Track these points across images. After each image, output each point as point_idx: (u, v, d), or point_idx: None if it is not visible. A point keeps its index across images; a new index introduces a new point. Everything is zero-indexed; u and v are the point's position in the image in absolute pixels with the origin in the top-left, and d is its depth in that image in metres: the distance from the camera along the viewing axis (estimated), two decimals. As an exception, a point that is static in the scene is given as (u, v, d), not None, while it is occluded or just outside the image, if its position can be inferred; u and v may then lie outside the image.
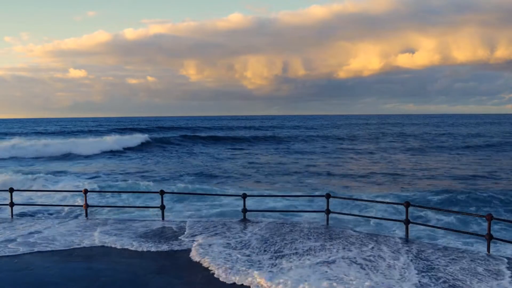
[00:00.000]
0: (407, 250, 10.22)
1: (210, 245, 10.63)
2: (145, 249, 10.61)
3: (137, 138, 55.96)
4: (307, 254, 9.85)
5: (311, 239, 11.17)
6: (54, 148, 46.19)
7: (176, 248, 10.72)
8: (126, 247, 10.80)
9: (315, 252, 10.02)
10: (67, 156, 43.92)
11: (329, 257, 9.74)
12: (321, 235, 11.54)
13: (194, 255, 9.99)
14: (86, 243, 11.12)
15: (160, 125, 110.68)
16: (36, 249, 10.50)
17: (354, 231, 12.30)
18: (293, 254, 9.91)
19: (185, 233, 12.00)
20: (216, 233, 11.83)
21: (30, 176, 27.49)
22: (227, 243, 10.80)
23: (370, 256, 9.77)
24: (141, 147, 52.46)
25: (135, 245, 10.87)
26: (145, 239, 11.44)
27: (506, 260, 9.42)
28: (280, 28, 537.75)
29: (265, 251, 10.17)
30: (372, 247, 10.44)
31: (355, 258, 9.60)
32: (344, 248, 10.36)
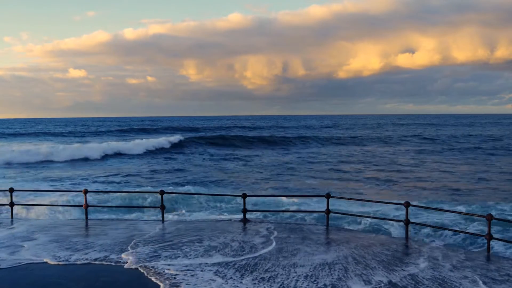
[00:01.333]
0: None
1: (171, 263, 9.09)
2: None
3: (174, 139, 55.07)
4: (313, 280, 7.94)
5: (319, 248, 10.07)
6: (93, 151, 44.30)
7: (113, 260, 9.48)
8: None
9: (322, 272, 8.28)
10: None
11: (341, 280, 7.97)
12: (328, 241, 10.92)
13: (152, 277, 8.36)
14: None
15: (193, 126, 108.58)
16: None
17: (362, 233, 12.25)
18: (293, 279, 8.00)
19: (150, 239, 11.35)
20: (201, 239, 10.99)
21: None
22: (198, 262, 9.07)
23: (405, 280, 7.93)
24: (178, 149, 51.47)
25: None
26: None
27: None
28: (279, 28, 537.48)
29: (252, 272, 8.49)
30: (402, 260, 9.19)
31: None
32: (357, 263, 8.92)
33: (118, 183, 27.63)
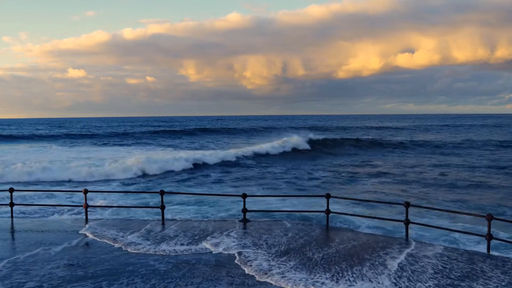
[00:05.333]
0: None
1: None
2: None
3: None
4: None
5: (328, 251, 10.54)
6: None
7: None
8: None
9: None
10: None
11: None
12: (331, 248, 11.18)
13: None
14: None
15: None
16: None
17: (362, 233, 12.21)
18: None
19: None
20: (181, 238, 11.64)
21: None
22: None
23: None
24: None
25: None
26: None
27: None
28: (278, 28, 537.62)
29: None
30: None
31: None
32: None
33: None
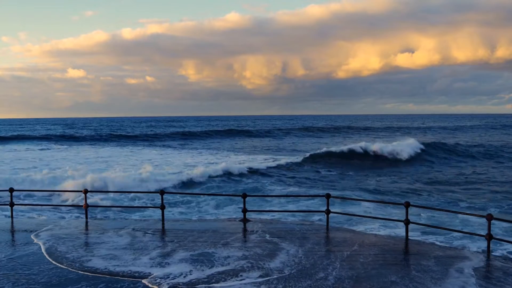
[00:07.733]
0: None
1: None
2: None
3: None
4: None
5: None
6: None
7: None
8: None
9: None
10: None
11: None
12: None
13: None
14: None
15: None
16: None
17: (362, 233, 12.17)
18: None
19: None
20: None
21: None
22: None
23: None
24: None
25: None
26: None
27: None
28: (278, 28, 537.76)
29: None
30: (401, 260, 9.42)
31: None
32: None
33: None
